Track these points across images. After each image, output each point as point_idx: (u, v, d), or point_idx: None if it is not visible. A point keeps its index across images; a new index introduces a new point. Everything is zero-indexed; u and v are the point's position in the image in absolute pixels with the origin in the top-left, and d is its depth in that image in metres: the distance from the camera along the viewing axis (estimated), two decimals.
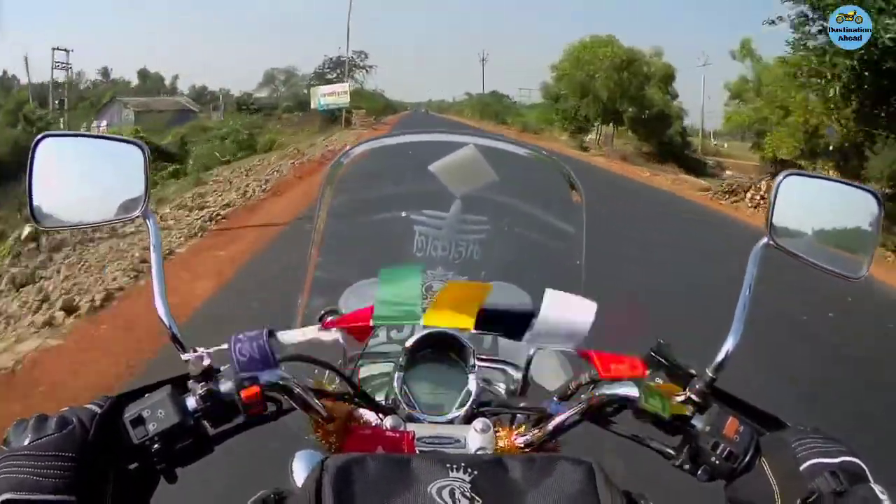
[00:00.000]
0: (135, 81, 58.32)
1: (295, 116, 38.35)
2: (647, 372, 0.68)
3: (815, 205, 0.74)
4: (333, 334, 0.71)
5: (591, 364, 0.69)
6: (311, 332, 0.71)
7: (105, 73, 58.81)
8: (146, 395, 0.61)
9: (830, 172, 11.32)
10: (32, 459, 0.51)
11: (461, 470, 0.52)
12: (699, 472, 0.63)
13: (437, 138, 0.86)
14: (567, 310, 0.72)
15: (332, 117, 32.80)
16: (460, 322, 0.70)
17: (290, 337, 0.69)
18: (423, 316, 0.70)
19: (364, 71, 48.18)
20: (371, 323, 0.71)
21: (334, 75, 43.21)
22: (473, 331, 0.71)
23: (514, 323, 0.74)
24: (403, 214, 0.85)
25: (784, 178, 0.73)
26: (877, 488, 0.54)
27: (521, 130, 34.74)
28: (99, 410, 0.57)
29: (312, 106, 31.57)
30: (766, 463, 0.59)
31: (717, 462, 0.61)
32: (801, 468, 0.56)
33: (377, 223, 0.90)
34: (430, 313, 0.70)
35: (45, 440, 0.52)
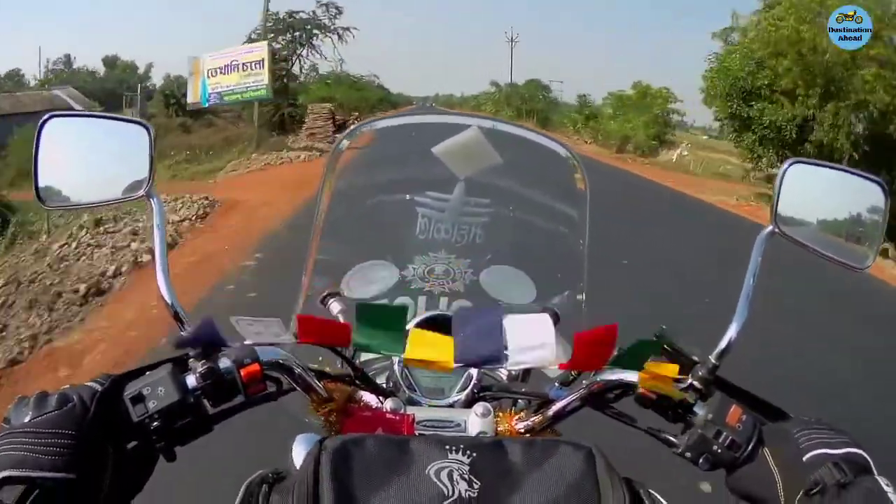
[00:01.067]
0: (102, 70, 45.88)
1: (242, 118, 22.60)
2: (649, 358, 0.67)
3: (820, 193, 0.74)
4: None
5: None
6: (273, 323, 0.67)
7: (67, 61, 46.73)
8: (147, 373, 0.61)
9: None
10: (33, 437, 0.50)
11: (460, 452, 0.52)
12: (700, 461, 0.63)
13: (440, 120, 0.86)
14: (528, 328, 0.68)
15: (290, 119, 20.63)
16: (440, 356, 0.65)
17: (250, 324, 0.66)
18: (404, 352, 0.66)
19: (335, 37, 25.26)
20: (350, 345, 0.68)
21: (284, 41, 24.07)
22: (453, 365, 0.67)
23: (490, 351, 0.70)
24: (406, 197, 0.85)
25: (789, 165, 0.72)
26: (881, 480, 0.53)
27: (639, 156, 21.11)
28: (99, 388, 0.57)
29: (191, 99, 15.74)
30: (769, 453, 0.59)
31: (719, 451, 0.60)
32: (805, 459, 0.55)
33: (380, 205, 0.90)
34: (410, 348, 0.66)
35: (45, 417, 0.52)
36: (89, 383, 0.58)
